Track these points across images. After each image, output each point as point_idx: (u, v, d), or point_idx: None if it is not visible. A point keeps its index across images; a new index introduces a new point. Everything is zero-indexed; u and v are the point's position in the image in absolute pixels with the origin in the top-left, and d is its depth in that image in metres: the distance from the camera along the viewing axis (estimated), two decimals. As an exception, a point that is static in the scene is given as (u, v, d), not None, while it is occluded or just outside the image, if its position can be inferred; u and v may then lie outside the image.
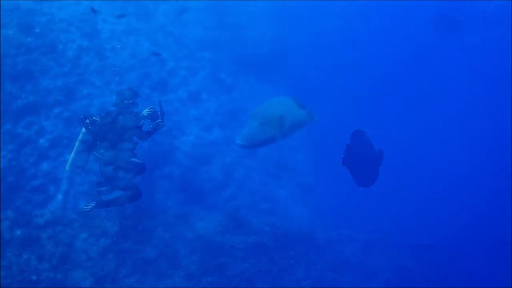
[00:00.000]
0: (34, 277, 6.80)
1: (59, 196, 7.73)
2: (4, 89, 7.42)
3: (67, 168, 5.65)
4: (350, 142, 5.29)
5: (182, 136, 10.53)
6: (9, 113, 7.30)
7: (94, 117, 5.43)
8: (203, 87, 11.68)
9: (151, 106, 5.87)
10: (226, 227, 11.33)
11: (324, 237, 17.19)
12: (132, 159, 5.80)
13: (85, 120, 5.34)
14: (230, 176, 11.44)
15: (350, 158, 5.31)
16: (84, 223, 8.05)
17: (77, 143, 5.62)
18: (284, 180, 13.98)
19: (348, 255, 13.62)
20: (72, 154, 5.60)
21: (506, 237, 13.18)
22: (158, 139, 9.81)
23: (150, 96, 10.07)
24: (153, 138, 9.50)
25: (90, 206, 4.76)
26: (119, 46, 9.85)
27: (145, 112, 5.81)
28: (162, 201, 10.19)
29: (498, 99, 20.62)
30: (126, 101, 5.75)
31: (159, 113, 5.76)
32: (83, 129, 5.57)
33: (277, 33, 17.60)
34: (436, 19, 19.42)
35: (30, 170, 7.32)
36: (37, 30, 8.44)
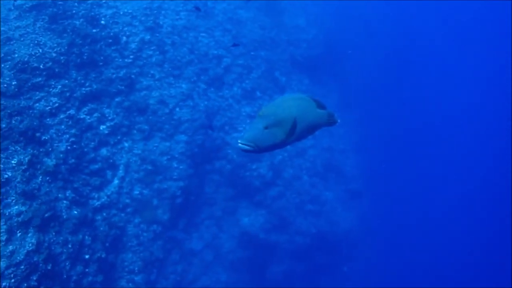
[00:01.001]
0: (87, 256, 7.12)
1: (116, 181, 8.04)
2: (70, 76, 7.81)
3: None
4: None
5: (234, 132, 10.68)
6: (73, 99, 7.68)
7: None
8: (257, 85, 11.80)
9: None
10: (272, 225, 11.41)
11: (369, 244, 16.97)
12: None
13: None
14: (278, 175, 11.49)
15: None
16: (137, 208, 8.35)
17: None
18: (332, 183, 13.88)
19: (390, 264, 13.37)
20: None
21: None
22: (209, 133, 10.00)
23: (206, 91, 10.29)
24: (205, 133, 9.73)
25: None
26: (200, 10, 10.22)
27: None
28: (211, 195, 10.38)
29: None
30: None
31: None
32: None
33: (332, 35, 17.54)
34: None
35: (90, 154, 7.66)
36: (103, 22, 8.81)
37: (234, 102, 11.02)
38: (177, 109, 9.39)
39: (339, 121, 3.60)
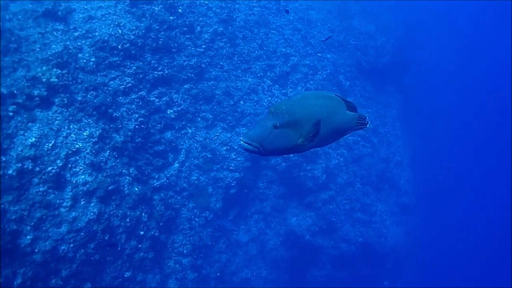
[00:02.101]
0: (141, 232, 7.40)
1: (176, 165, 8.29)
2: (145, 59, 8.12)
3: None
4: None
5: (293, 131, 10.70)
6: (145, 82, 7.98)
7: None
8: (321, 86, 11.76)
9: None
10: (319, 228, 11.36)
11: (413, 262, 16.52)
12: None
13: None
14: (332, 179, 11.41)
15: None
16: (192, 193, 8.58)
17: None
18: (385, 194, 13.63)
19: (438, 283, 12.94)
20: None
21: None
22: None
23: (270, 87, 10.39)
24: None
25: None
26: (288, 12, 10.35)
27: None
28: (263, 190, 10.47)
29: None
30: None
31: None
32: None
33: (401, 44, 17.17)
34: None
35: (156, 135, 7.95)
36: (180, 10, 9.08)
37: (296, 101, 11.03)
38: (241, 102, 9.55)
39: (369, 125, 3.21)
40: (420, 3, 22.74)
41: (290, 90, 10.97)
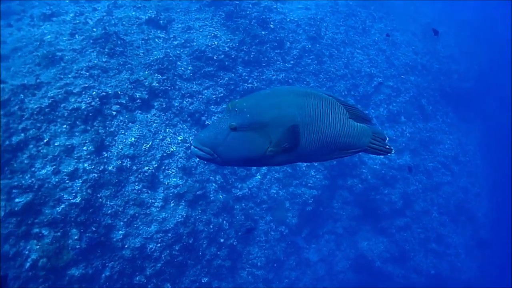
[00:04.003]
0: (222, 240, 7.49)
1: (258, 177, 8.36)
2: (236, 71, 8.31)
3: None
4: None
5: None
6: (235, 93, 8.16)
7: None
8: (403, 109, 11.51)
9: None
10: (390, 255, 11.00)
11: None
12: None
13: None
14: (409, 206, 11.06)
15: None
16: (271, 206, 8.60)
17: None
18: (461, 226, 13.02)
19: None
20: None
21: None
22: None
23: (353, 106, 10.28)
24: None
25: None
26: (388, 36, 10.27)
27: None
28: (337, 210, 10.31)
29: None
30: None
31: None
32: None
33: (485, 70, 16.55)
34: None
35: (242, 146, 8.08)
36: (272, 26, 9.25)
37: (378, 123, 10.86)
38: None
39: (393, 152, 2.45)
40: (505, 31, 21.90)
41: (373, 111, 10.82)
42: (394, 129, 11.19)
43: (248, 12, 9.10)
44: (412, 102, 11.92)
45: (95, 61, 6.66)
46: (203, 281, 7.21)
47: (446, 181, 12.17)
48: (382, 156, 10.61)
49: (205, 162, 1.95)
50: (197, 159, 6.90)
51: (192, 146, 2.24)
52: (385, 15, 13.26)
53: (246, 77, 8.39)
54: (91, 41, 6.93)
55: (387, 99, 11.28)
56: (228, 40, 8.37)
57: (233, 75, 8.20)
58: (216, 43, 8.16)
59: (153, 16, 7.98)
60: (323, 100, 2.29)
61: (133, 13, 8.19)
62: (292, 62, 9.34)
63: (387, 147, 2.45)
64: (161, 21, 8.03)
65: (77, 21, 7.49)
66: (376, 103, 11.01)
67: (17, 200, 5.20)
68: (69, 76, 6.33)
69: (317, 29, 10.28)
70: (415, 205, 11.20)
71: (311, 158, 2.40)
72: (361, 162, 10.30)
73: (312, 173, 9.20)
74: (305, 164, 9.14)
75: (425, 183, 11.47)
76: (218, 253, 7.46)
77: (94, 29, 7.21)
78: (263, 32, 8.99)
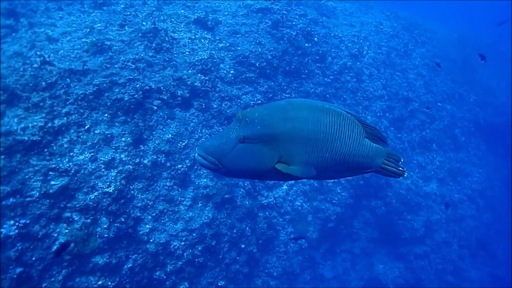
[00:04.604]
0: (243, 246, 7.49)
1: (285, 187, 8.35)
2: (276, 80, 8.33)
3: None
4: None
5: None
6: (273, 101, 8.18)
7: None
8: (436, 137, 11.38)
9: None
10: (405, 282, 10.85)
11: None
12: None
13: None
14: (430, 235, 10.91)
15: None
16: (293, 218, 8.57)
17: None
18: (480, 261, 12.78)
19: None
20: None
21: None
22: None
23: (386, 128, 10.21)
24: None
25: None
26: (439, 63, 10.20)
27: None
28: (357, 230, 10.22)
29: None
30: None
31: None
32: None
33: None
34: None
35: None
36: (315, 39, 9.25)
37: (409, 148, 10.76)
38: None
39: (406, 174, 2.37)
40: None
41: (405, 135, 10.72)
42: (424, 155, 11.07)
43: (294, 22, 9.13)
44: (446, 131, 11.77)
45: (142, 55, 6.76)
46: (219, 284, 7.21)
47: (470, 215, 11.96)
48: (409, 182, 10.50)
49: (209, 171, 1.94)
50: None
51: (196, 154, 2.15)
52: (428, 40, 13.15)
53: (285, 87, 8.41)
54: (140, 34, 7.04)
55: (421, 125, 11.17)
56: (272, 48, 8.40)
57: (272, 83, 8.22)
58: (260, 50, 8.20)
59: (201, 16, 8.06)
60: (341, 117, 2.20)
61: (182, 11, 8.30)
62: (331, 77, 9.32)
63: (401, 169, 2.37)
64: (209, 22, 8.10)
65: (128, 13, 7.62)
66: (410, 128, 10.90)
67: (52, 182, 5.29)
68: (116, 66, 6.44)
69: (360, 47, 10.25)
70: (436, 234, 11.04)
71: (321, 176, 2.30)
72: (387, 185, 10.20)
73: (338, 190, 9.14)
74: (332, 180, 9.10)
75: (449, 214, 11.30)
76: (238, 258, 7.45)
77: (144, 23, 7.32)
78: (306, 44, 9.00)
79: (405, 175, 2.37)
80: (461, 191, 11.83)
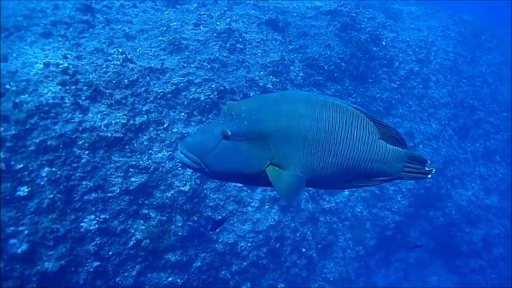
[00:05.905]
0: (303, 249, 7.48)
1: (346, 192, 8.27)
2: (343, 84, 8.24)
3: None
4: None
5: (462, 188, 10.13)
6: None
7: None
8: (500, 148, 11.00)
9: None
10: (456, 295, 10.60)
11: None
12: None
13: None
14: (488, 249, 10.57)
15: None
16: (352, 224, 8.49)
17: None
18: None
19: None
20: None
21: None
22: (439, 180, 9.62)
23: (450, 137, 9.93)
24: (436, 178, 9.38)
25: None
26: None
27: None
28: (413, 240, 10.01)
29: None
30: None
31: None
32: None
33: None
34: None
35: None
36: (383, 43, 9.08)
37: (472, 158, 10.44)
38: (421, 146, 9.25)
39: (430, 176, 2.00)
40: None
41: (469, 145, 10.41)
42: (487, 167, 10.72)
43: (363, 26, 8.99)
44: (510, 142, 11.35)
45: (217, 55, 6.81)
46: (279, 286, 7.23)
47: (531, 230, 11.52)
48: (470, 193, 10.20)
49: (192, 171, 1.73)
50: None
51: (178, 151, 1.93)
52: (495, 47, 12.69)
53: (351, 91, 8.30)
54: (215, 34, 7.10)
55: (485, 135, 10.81)
56: (340, 51, 8.30)
57: (339, 87, 8.13)
58: (329, 53, 8.12)
59: (273, 17, 8.05)
60: (347, 114, 1.85)
61: (253, 11, 8.31)
62: (398, 82, 9.15)
63: (427, 168, 2.00)
64: (280, 24, 8.08)
65: (201, 12, 7.70)
66: (474, 137, 10.57)
67: (132, 179, 5.42)
68: (192, 65, 6.52)
69: (427, 52, 10.00)
70: (494, 249, 10.69)
71: (325, 184, 1.98)
72: (448, 195, 9.94)
73: (399, 198, 8.98)
74: (393, 187, 8.94)
75: (509, 229, 10.91)
76: (298, 261, 7.45)
77: (218, 23, 7.38)
78: (374, 48, 8.85)
79: (433, 171, 2.00)
80: (523, 203, 11.40)
